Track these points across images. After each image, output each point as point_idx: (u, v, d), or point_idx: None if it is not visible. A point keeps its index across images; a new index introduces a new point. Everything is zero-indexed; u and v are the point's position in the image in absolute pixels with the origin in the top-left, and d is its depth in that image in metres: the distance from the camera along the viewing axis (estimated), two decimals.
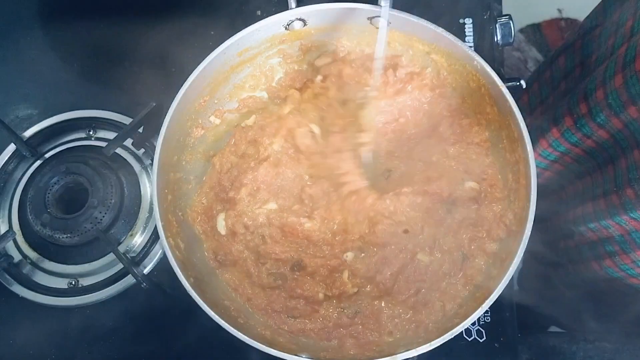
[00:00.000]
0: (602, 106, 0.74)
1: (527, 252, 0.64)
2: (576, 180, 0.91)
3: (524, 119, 0.66)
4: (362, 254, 0.76)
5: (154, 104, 0.84)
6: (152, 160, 0.86)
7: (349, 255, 0.76)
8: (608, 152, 0.79)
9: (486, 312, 0.74)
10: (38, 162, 0.88)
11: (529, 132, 0.66)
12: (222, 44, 0.72)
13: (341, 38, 0.78)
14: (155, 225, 0.75)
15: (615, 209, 0.75)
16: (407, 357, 0.63)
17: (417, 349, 0.63)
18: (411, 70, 0.77)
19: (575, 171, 0.91)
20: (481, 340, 0.77)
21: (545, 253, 1.05)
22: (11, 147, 0.88)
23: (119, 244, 0.83)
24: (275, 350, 0.64)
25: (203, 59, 0.71)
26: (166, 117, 0.70)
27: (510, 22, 0.86)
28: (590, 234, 0.86)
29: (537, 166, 0.95)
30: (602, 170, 0.81)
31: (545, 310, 1.14)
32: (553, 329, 1.20)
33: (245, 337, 0.64)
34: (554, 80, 0.98)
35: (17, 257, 0.85)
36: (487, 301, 0.63)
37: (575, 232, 0.90)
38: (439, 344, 0.63)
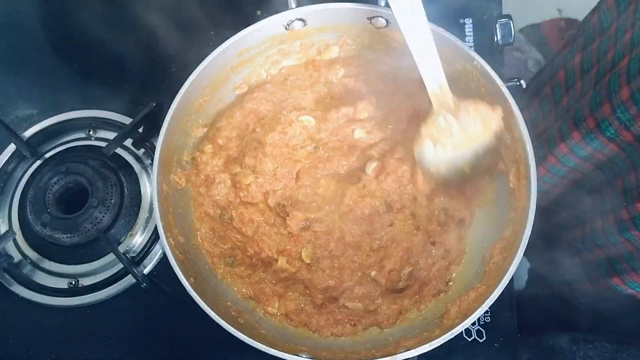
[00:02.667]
0: (610, 120, 0.74)
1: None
2: (584, 197, 0.90)
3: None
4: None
5: (154, 104, 0.84)
6: (152, 160, 0.86)
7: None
8: (618, 167, 0.79)
9: (486, 312, 0.74)
10: (38, 162, 0.88)
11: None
12: (222, 44, 0.72)
13: (342, 37, 0.78)
14: (155, 225, 0.75)
15: (625, 224, 0.75)
16: (407, 357, 0.63)
17: (417, 349, 0.63)
18: None
19: (585, 187, 0.90)
20: (481, 340, 0.77)
21: (550, 271, 1.04)
22: (11, 147, 0.88)
23: (119, 244, 0.83)
24: (275, 350, 0.64)
25: (203, 59, 0.71)
26: (166, 117, 0.70)
27: (510, 22, 0.86)
28: (597, 252, 0.85)
29: (546, 182, 0.95)
30: (611, 185, 0.80)
31: (545, 315, 1.13)
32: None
33: (245, 337, 0.64)
34: (555, 94, 0.98)
35: (17, 257, 0.85)
36: (487, 301, 0.63)
37: (583, 249, 0.89)
38: (439, 344, 0.63)
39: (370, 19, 0.72)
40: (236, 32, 0.71)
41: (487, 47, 0.87)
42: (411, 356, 0.63)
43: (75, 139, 0.90)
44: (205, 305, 0.65)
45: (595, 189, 0.87)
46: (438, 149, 0.67)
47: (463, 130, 0.66)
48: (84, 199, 0.82)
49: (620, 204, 0.76)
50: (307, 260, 0.77)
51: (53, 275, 0.84)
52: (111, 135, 0.89)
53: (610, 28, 0.81)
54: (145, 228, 0.85)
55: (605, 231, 0.80)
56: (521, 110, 0.67)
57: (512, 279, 0.65)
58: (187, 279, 0.66)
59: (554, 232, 1.01)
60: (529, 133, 0.66)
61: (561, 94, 0.95)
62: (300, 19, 0.74)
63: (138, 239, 0.84)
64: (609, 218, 0.79)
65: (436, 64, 0.65)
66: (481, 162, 0.69)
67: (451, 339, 0.63)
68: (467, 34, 0.87)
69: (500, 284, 0.63)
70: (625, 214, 0.75)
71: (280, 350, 0.64)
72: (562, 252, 0.98)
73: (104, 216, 0.81)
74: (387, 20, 0.72)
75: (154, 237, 0.84)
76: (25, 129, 0.90)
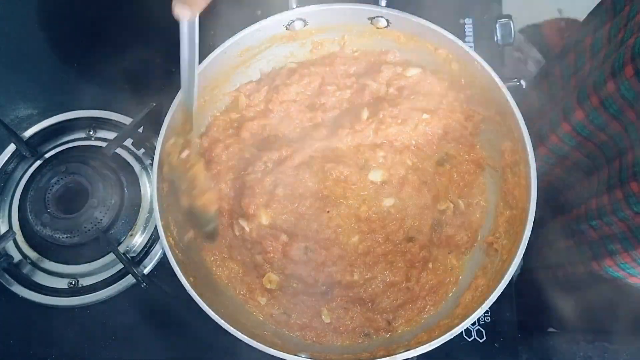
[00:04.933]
0: (614, 97, 0.73)
1: (526, 253, 0.64)
2: (583, 178, 0.90)
3: (532, 119, 0.66)
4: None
5: (154, 104, 0.84)
6: (152, 160, 0.86)
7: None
8: (618, 147, 0.79)
9: (486, 312, 0.74)
10: (38, 162, 0.88)
11: (537, 129, 0.66)
12: (222, 44, 0.72)
13: (343, 37, 0.78)
14: (155, 225, 0.75)
15: (619, 203, 0.75)
16: (407, 357, 0.63)
17: (417, 349, 0.63)
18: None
19: (583, 168, 0.91)
20: (481, 341, 0.77)
21: (544, 254, 1.05)
22: (11, 147, 0.88)
23: (119, 244, 0.83)
24: (275, 350, 0.64)
25: (203, 59, 0.71)
26: (166, 117, 0.70)
27: (510, 22, 0.86)
28: (591, 233, 0.86)
29: (546, 162, 0.95)
30: (609, 165, 0.81)
31: (544, 312, 1.13)
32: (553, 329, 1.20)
33: (245, 337, 0.64)
34: (564, 77, 0.98)
35: (17, 257, 0.85)
36: (487, 301, 0.63)
37: (577, 230, 0.90)
38: (439, 344, 0.63)
39: (371, 19, 0.73)
40: (236, 32, 0.71)
41: (487, 47, 0.87)
42: (411, 356, 0.63)
43: (75, 139, 0.90)
44: (205, 305, 0.65)
45: (592, 170, 0.87)
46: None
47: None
48: (84, 199, 0.81)
49: (615, 183, 0.77)
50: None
51: (53, 275, 0.84)
52: (111, 135, 0.89)
53: (623, 10, 0.81)
54: (145, 228, 0.85)
55: (600, 211, 0.80)
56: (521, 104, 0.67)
57: (512, 279, 0.65)
58: (187, 279, 0.66)
59: (548, 215, 1.01)
60: (528, 132, 0.66)
61: (569, 76, 0.95)
62: (301, 19, 0.74)
63: (138, 239, 0.84)
64: (603, 198, 0.80)
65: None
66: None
67: (451, 339, 0.63)
68: (467, 34, 0.87)
69: (500, 284, 0.63)
70: (619, 193, 0.75)
71: (280, 351, 0.64)
72: (556, 235, 0.98)
73: (104, 216, 0.81)
74: (387, 21, 0.72)
75: (154, 237, 0.84)
76: (25, 129, 0.89)
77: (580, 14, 0.99)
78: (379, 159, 0.77)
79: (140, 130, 0.86)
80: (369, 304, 0.73)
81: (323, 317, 0.73)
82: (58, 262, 0.84)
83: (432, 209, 0.76)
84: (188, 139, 0.68)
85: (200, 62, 0.71)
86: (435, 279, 0.75)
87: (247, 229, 0.75)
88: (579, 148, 0.88)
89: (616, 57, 0.73)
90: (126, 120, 0.88)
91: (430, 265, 0.75)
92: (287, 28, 0.74)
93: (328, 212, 0.76)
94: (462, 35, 0.87)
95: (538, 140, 0.66)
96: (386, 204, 0.76)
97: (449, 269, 0.76)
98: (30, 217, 0.81)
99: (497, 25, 0.86)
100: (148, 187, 0.86)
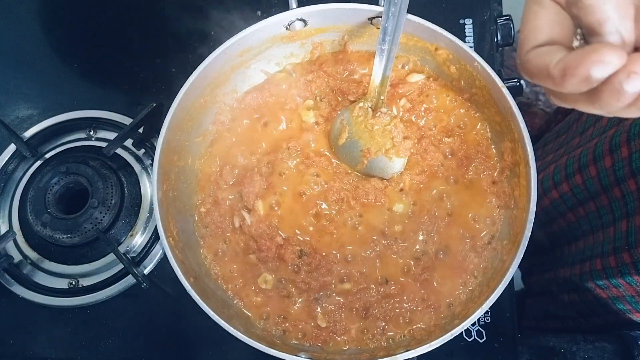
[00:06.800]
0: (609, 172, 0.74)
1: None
2: (586, 234, 0.88)
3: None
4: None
5: (154, 104, 0.84)
6: (152, 160, 0.86)
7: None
8: (627, 207, 0.77)
9: (486, 312, 0.74)
10: (38, 162, 0.88)
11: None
12: (222, 44, 0.71)
13: (343, 37, 0.78)
14: (155, 225, 0.75)
15: (627, 267, 0.74)
16: (407, 357, 0.63)
17: (417, 349, 0.63)
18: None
19: (583, 226, 0.89)
20: (481, 341, 0.77)
21: (549, 306, 1.02)
22: (11, 147, 0.88)
23: (119, 244, 0.83)
24: (275, 350, 0.64)
25: (203, 59, 0.71)
26: (166, 117, 0.70)
27: (510, 22, 0.86)
28: (598, 291, 0.83)
29: (548, 213, 0.93)
30: (614, 225, 0.79)
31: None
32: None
33: (246, 337, 0.64)
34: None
35: (17, 257, 0.85)
36: (487, 301, 0.63)
37: (581, 287, 0.87)
38: (439, 345, 0.63)
39: (371, 19, 0.72)
40: (236, 32, 0.71)
41: (487, 47, 0.87)
42: (411, 356, 0.63)
43: (76, 139, 0.90)
44: (205, 305, 0.65)
45: (595, 229, 0.85)
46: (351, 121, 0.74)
47: (369, 125, 0.73)
48: (84, 199, 0.82)
49: (622, 246, 0.75)
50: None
51: (53, 275, 0.84)
52: (111, 135, 0.89)
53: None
54: (145, 228, 0.85)
55: (607, 272, 0.78)
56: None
57: (512, 279, 0.65)
58: (187, 279, 0.66)
59: (548, 265, 0.99)
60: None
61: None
62: (301, 20, 0.74)
63: (138, 239, 0.84)
64: (609, 260, 0.78)
65: (391, 62, 0.68)
66: (371, 170, 0.75)
67: (451, 339, 0.63)
68: (467, 34, 0.87)
69: (501, 284, 0.63)
70: (627, 257, 0.73)
71: (279, 351, 0.64)
72: (558, 288, 0.96)
73: (104, 216, 0.81)
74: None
75: (154, 238, 0.84)
76: (26, 129, 0.90)
77: None
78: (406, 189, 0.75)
79: (141, 130, 0.86)
80: (363, 313, 0.73)
81: (319, 321, 0.73)
82: (58, 263, 0.84)
83: (443, 234, 0.74)
84: (377, 104, 0.72)
85: (200, 62, 0.71)
86: (435, 297, 0.72)
87: (249, 221, 0.75)
88: (577, 206, 0.87)
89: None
90: (126, 120, 0.88)
91: (433, 283, 0.73)
92: (287, 28, 0.74)
93: (318, 217, 0.75)
94: (462, 35, 0.87)
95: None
96: (395, 229, 0.75)
97: (452, 287, 0.72)
98: (30, 218, 0.81)
99: (497, 25, 0.86)
100: (148, 187, 0.86)
